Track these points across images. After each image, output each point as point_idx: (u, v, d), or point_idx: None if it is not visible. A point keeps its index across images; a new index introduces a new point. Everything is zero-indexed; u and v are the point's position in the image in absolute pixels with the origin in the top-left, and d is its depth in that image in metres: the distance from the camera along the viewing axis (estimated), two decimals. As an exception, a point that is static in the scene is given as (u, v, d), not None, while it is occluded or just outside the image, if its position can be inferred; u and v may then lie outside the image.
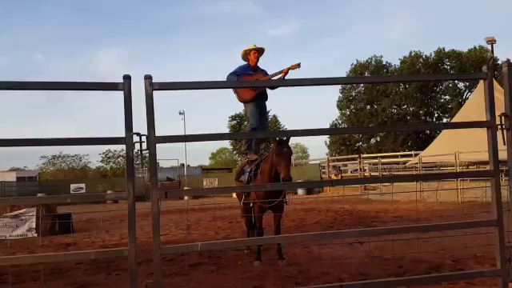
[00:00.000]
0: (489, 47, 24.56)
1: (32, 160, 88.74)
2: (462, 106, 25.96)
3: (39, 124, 72.94)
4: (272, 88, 6.47)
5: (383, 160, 23.94)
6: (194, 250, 3.09)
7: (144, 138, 2.86)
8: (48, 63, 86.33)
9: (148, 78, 2.90)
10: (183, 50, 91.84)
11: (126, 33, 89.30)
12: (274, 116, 43.66)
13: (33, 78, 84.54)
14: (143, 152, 2.89)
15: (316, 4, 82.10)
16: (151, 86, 2.89)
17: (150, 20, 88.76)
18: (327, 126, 36.59)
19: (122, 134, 2.86)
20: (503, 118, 3.14)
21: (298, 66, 6.11)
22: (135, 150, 2.88)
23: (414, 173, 17.67)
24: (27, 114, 74.05)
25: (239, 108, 41.56)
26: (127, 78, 2.86)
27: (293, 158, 7.70)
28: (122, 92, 2.85)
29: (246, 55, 6.59)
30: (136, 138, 2.85)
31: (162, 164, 34.96)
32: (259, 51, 6.56)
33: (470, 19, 69.00)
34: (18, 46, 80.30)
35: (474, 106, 16.01)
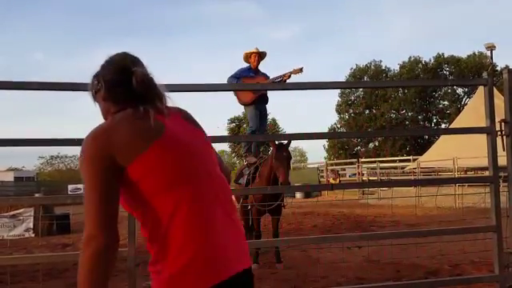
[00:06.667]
0: (488, 53, 24.60)
1: (30, 160, 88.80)
2: (460, 111, 25.99)
3: (38, 124, 72.85)
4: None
5: (381, 165, 23.95)
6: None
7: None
8: (48, 63, 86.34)
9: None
10: (184, 52, 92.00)
11: (128, 34, 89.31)
12: (274, 119, 43.69)
13: (33, 77, 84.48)
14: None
15: (317, 8, 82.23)
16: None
17: (151, 21, 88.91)
18: (326, 130, 36.66)
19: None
20: (503, 124, 3.15)
21: (301, 70, 6.01)
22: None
23: (413, 178, 17.65)
24: (26, 113, 74.01)
25: (238, 111, 41.57)
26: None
27: (291, 161, 7.66)
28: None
29: (247, 58, 6.61)
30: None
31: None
32: (260, 55, 6.57)
33: (470, 25, 69.25)
34: (18, 45, 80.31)
35: (472, 112, 16.07)
